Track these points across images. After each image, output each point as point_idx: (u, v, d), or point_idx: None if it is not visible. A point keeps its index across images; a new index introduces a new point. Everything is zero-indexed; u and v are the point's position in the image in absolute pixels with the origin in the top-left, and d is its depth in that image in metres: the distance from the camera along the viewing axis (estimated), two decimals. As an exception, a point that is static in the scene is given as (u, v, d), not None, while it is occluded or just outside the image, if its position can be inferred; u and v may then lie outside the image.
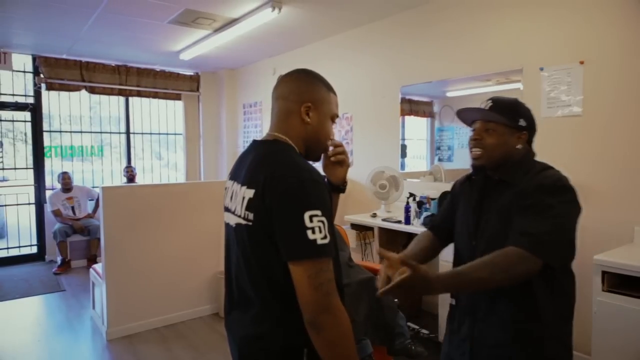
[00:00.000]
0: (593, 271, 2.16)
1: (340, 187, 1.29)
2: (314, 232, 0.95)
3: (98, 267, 3.56)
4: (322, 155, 1.26)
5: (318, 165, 1.19)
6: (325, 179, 1.27)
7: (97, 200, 5.50)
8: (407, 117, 4.00)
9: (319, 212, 0.97)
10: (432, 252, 1.51)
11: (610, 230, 2.57)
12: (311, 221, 0.95)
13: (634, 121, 2.48)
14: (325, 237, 0.96)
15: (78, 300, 4.14)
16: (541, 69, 2.88)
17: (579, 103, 2.70)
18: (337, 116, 1.21)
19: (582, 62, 2.68)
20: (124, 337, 3.29)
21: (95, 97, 5.94)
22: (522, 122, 1.29)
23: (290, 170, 1.02)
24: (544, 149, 2.93)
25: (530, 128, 1.32)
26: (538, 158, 1.37)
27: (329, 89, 1.19)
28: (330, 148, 1.24)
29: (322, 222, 0.97)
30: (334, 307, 0.96)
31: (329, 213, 1.01)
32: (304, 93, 1.14)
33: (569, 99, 2.75)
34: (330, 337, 0.96)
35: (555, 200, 1.17)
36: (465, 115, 1.36)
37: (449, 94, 3.67)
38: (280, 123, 1.15)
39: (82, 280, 4.70)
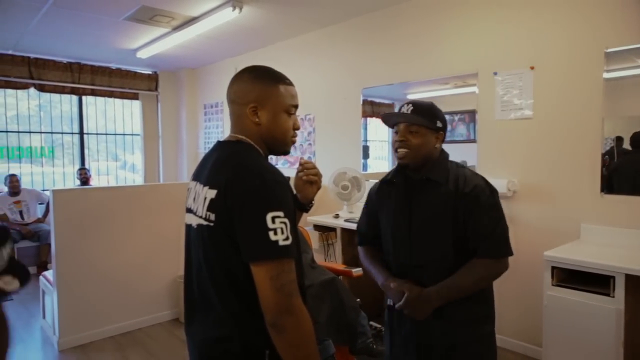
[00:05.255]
0: (543, 267, 2.28)
1: (305, 206, 1.29)
2: (275, 233, 0.95)
3: (49, 274, 3.39)
4: (295, 174, 1.28)
5: (284, 168, 1.19)
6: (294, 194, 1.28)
7: (48, 204, 5.23)
8: (369, 119, 4.06)
9: (281, 213, 0.96)
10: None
11: (559, 228, 2.71)
12: (273, 222, 0.95)
13: (578, 123, 2.63)
14: (287, 239, 0.96)
15: (27, 310, 3.91)
16: (495, 74, 3.00)
17: (530, 106, 2.83)
18: (296, 106, 1.16)
19: (532, 68, 2.81)
20: (77, 347, 3.14)
21: (46, 96, 5.65)
22: (439, 124, 1.42)
23: (253, 170, 1.01)
24: (498, 150, 3.07)
25: (445, 129, 1.45)
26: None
27: (278, 81, 1.13)
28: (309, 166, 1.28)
29: (285, 223, 0.96)
30: (296, 309, 0.96)
31: (292, 214, 1.01)
32: (247, 94, 1.11)
33: (520, 103, 2.88)
34: (292, 339, 0.95)
35: (495, 199, 1.38)
36: (389, 119, 1.48)
37: (409, 96, 3.75)
38: (235, 126, 1.15)
39: (31, 288, 4.41)
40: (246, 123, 1.12)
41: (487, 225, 1.34)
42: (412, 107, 1.40)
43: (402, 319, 1.44)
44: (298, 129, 1.18)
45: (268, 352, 1.01)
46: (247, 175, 1.00)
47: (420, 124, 1.38)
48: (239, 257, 0.99)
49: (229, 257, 1.00)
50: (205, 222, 1.04)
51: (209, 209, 1.03)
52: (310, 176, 1.27)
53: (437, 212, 1.38)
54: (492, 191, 1.38)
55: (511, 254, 1.36)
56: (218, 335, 1.05)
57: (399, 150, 1.41)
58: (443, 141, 1.45)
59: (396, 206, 1.46)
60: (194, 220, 1.10)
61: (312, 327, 0.99)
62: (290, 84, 1.15)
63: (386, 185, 1.53)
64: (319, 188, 1.29)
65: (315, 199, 1.32)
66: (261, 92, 1.11)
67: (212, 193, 1.03)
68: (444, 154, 1.46)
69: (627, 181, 2.53)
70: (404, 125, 1.40)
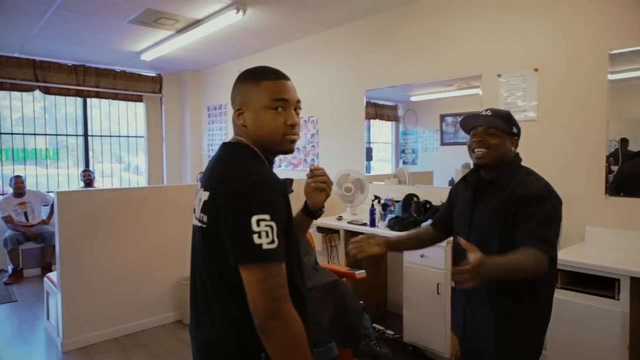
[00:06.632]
0: (548, 269, 2.26)
1: (315, 213, 1.27)
2: (260, 237, 0.93)
3: (53, 275, 3.40)
4: (306, 179, 1.26)
5: (287, 171, 1.18)
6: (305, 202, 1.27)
7: (52, 205, 5.26)
8: (372, 121, 4.06)
9: (267, 217, 0.95)
10: (425, 241, 1.83)
11: (563, 230, 2.69)
12: (258, 225, 0.94)
13: (582, 125, 2.62)
14: (272, 242, 0.94)
15: (31, 311, 3.93)
16: (499, 75, 2.99)
17: (534, 108, 2.82)
18: (282, 99, 1.07)
19: (536, 69, 2.80)
20: (81, 349, 3.14)
21: (51, 98, 5.68)
22: (514, 129, 1.54)
23: (240, 173, 1.01)
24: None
25: (519, 135, 1.57)
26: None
27: (260, 78, 1.08)
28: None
29: (270, 226, 0.95)
30: (284, 313, 0.95)
31: (280, 217, 0.99)
32: (234, 99, 1.12)
33: (524, 105, 2.87)
34: (279, 343, 0.95)
35: (550, 203, 1.40)
36: (468, 122, 1.57)
37: (412, 99, 3.75)
38: (234, 129, 1.16)
39: (36, 289, 4.47)
40: (238, 126, 1.12)
41: (539, 225, 1.35)
42: (490, 113, 1.52)
43: (459, 297, 1.57)
44: (293, 125, 1.08)
45: (264, 355, 1.01)
46: (234, 178, 1.00)
47: (498, 127, 1.48)
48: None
49: (222, 259, 1.00)
50: (199, 224, 1.05)
51: (202, 210, 1.04)
52: (319, 183, 1.24)
53: (491, 213, 1.47)
54: (550, 195, 1.41)
55: (554, 256, 1.37)
56: (216, 336, 1.06)
57: (476, 150, 1.50)
58: (516, 147, 1.56)
59: (464, 201, 1.59)
60: (195, 222, 1.11)
61: (303, 331, 0.98)
62: (277, 78, 1.08)
63: (463, 183, 1.64)
64: (328, 196, 1.26)
65: (325, 206, 1.29)
66: (243, 93, 1.10)
67: (205, 195, 1.04)
68: (516, 159, 1.55)
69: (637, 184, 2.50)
70: (482, 128, 1.51)
